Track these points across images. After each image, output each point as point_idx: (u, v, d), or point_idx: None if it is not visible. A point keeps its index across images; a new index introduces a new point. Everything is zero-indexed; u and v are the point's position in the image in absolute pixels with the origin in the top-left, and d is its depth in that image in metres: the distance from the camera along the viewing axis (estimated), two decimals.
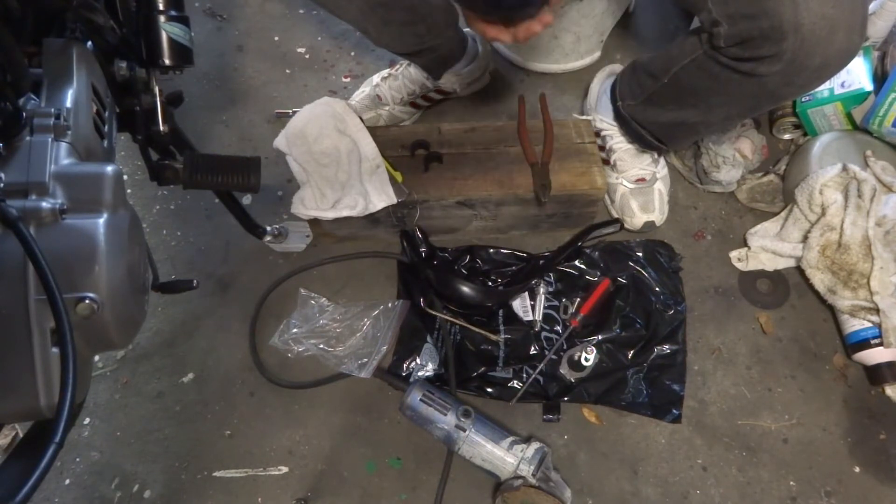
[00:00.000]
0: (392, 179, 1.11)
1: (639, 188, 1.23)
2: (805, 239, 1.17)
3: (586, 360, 1.08)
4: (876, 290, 1.08)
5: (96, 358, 1.13)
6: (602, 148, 1.26)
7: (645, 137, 1.18)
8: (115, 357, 1.14)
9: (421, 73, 1.31)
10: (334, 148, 1.11)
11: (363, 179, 1.10)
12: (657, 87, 1.08)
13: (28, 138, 0.63)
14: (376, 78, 1.37)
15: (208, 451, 1.05)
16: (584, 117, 1.29)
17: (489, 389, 1.10)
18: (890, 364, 1.08)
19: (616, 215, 1.26)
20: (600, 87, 1.33)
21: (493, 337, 1.13)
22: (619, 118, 1.21)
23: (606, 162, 1.26)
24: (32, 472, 0.46)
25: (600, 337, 1.14)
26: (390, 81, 1.34)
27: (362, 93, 1.36)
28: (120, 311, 0.62)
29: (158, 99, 0.88)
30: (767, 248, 1.21)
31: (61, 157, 0.64)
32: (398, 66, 1.34)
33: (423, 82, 1.33)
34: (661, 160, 1.28)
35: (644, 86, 1.12)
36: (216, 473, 1.04)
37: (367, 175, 1.10)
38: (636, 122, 1.17)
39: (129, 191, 1.30)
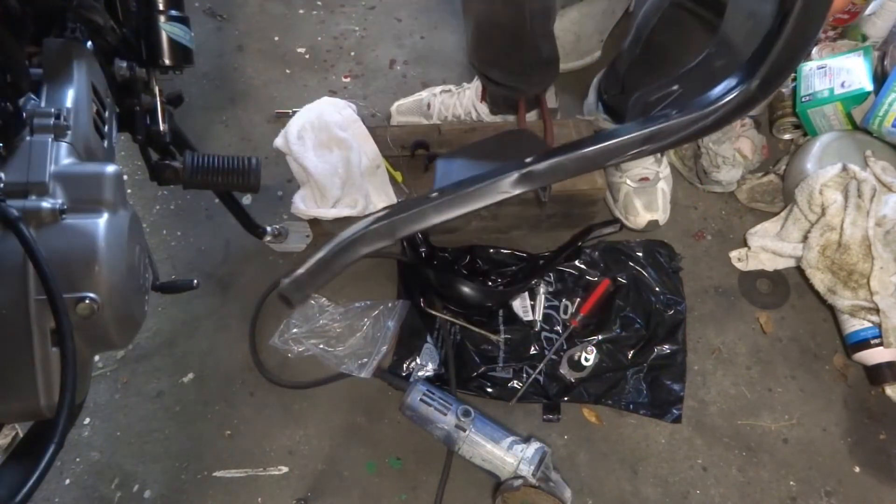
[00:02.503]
0: (392, 179, 1.11)
1: (642, 187, 1.23)
2: (805, 239, 1.17)
3: (586, 360, 1.08)
4: (876, 290, 1.08)
5: (96, 358, 1.13)
6: None
7: None
8: (115, 357, 1.14)
9: (475, 101, 1.31)
10: (334, 148, 1.11)
11: (363, 179, 1.10)
12: (630, 63, 1.13)
13: (28, 138, 0.63)
14: (437, 89, 1.37)
15: (208, 451, 1.05)
16: (585, 117, 1.29)
17: (489, 389, 1.10)
18: (890, 364, 1.08)
19: (619, 215, 1.26)
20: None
21: (493, 337, 1.13)
22: (609, 110, 1.23)
23: None
24: (33, 472, 0.46)
25: (600, 337, 1.14)
26: (444, 97, 1.34)
27: (418, 96, 1.37)
28: (120, 311, 0.62)
29: (158, 99, 0.88)
30: (767, 248, 1.21)
31: (61, 157, 0.64)
32: (460, 87, 1.35)
33: (472, 110, 1.32)
34: (664, 160, 1.28)
35: (619, 71, 1.17)
36: (216, 473, 1.04)
37: (367, 175, 1.10)
38: (622, 110, 1.19)
39: (129, 191, 1.30)
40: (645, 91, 0.95)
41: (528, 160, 0.34)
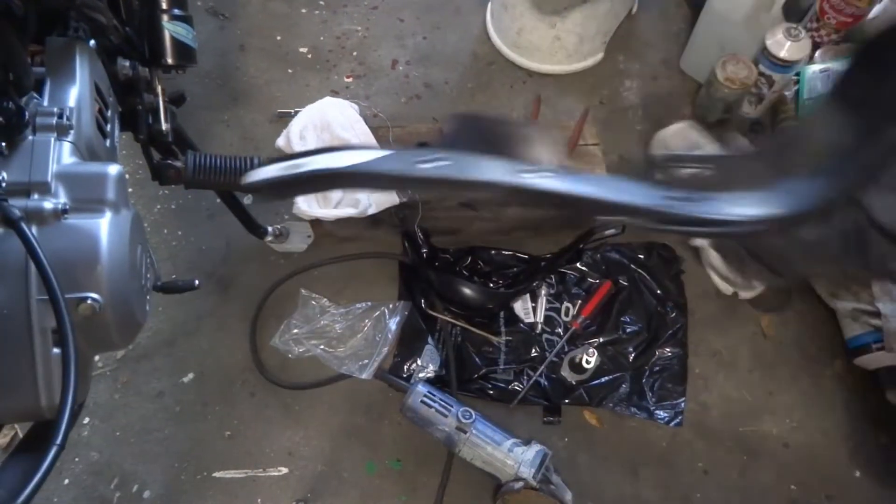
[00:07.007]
0: None
1: None
2: None
3: (587, 362, 1.08)
4: (877, 295, 1.08)
5: (96, 358, 1.13)
6: None
7: None
8: (115, 357, 1.13)
9: None
10: None
11: None
12: None
13: (31, 137, 0.63)
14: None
15: (208, 451, 1.05)
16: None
17: (490, 391, 1.09)
18: (890, 369, 1.08)
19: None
20: None
21: (494, 339, 1.13)
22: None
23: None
24: (34, 473, 0.46)
25: (601, 339, 1.14)
26: None
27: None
28: (121, 311, 0.62)
29: (161, 98, 0.87)
30: None
31: (64, 156, 0.64)
32: None
33: None
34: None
35: None
36: (216, 474, 1.03)
37: None
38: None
39: (130, 190, 1.30)
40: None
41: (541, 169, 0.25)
